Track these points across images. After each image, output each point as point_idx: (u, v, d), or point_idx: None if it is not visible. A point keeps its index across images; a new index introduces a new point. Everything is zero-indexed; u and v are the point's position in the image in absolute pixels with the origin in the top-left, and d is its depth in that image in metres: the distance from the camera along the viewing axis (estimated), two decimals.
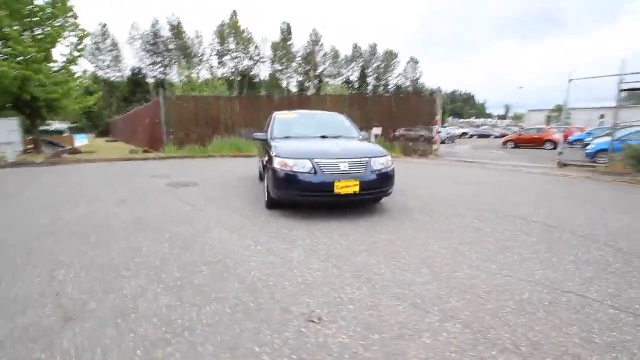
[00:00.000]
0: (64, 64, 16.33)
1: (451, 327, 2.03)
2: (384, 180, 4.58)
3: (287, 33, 64.73)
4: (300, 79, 68.64)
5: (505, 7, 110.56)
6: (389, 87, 67.68)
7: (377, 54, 69.27)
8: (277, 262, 3.01)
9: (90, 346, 1.86)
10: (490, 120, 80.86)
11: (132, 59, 60.42)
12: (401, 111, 16.76)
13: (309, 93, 54.28)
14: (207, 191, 6.41)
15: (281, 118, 6.05)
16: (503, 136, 37.88)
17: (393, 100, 17.03)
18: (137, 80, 54.55)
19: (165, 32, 57.60)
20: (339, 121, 6.24)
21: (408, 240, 3.59)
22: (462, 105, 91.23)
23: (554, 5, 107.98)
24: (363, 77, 67.93)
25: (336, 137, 5.51)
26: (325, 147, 4.79)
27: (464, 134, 40.28)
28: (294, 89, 66.61)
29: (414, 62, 70.48)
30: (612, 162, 10.86)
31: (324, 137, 5.47)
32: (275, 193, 4.52)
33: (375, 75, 69.77)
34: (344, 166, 4.38)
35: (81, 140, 28.26)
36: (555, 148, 21.97)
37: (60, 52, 16.49)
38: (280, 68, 67.11)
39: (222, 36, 60.65)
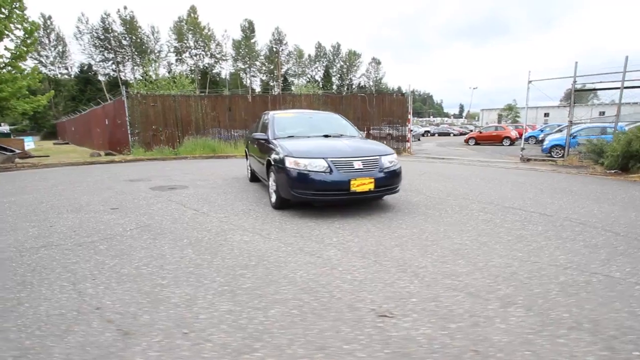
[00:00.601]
0: (9, 60, 14.79)
1: (514, 312, 2.16)
2: (394, 177, 4.70)
3: (249, 31, 63.51)
4: (264, 77, 67.77)
5: (458, 14, 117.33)
6: (353, 87, 68.91)
7: (340, 54, 70.21)
8: (317, 262, 3.00)
9: None
10: (447, 119, 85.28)
11: (79, 55, 56.17)
12: (375, 110, 17.22)
13: (274, 92, 53.85)
14: (201, 194, 6.16)
15: (280, 117, 5.97)
16: (461, 134, 40.22)
17: (367, 99, 17.40)
18: (86, 78, 50.88)
19: (117, 27, 54.01)
20: (337, 120, 6.29)
21: (431, 234, 3.72)
22: (421, 105, 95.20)
23: (498, 15, 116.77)
24: (327, 76, 68.48)
25: (338, 136, 5.55)
26: (335, 146, 4.81)
27: (427, 131, 42.05)
28: (257, 87, 65.68)
29: (376, 62, 72.42)
30: (569, 156, 11.96)
31: (326, 136, 5.49)
32: (289, 193, 4.46)
33: (339, 74, 70.67)
34: (357, 164, 4.44)
35: (28, 144, 25.81)
36: (511, 144, 23.71)
37: (4, 46, 14.81)
38: (243, 66, 65.75)
39: (179, 32, 58.14)
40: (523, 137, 14.18)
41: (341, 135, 5.63)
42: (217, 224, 4.22)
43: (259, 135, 5.72)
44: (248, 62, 65.15)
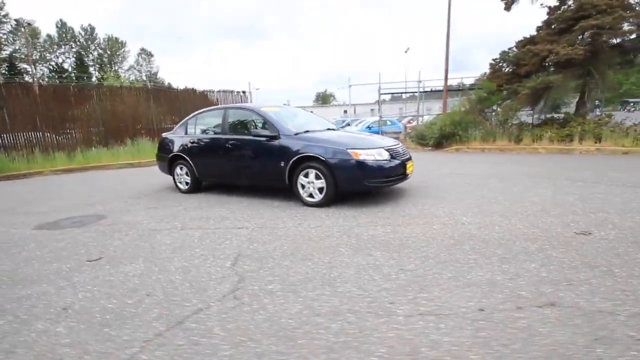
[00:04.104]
0: None
1: None
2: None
3: None
4: None
5: (223, 14, 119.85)
6: (123, 81, 58.40)
7: (96, 39, 57.45)
8: (501, 225, 3.47)
9: None
10: None
11: None
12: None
13: None
14: (172, 215, 4.52)
15: (276, 112, 5.29)
16: None
17: (216, 96, 16.11)
18: None
19: None
20: (313, 115, 6.42)
21: (511, 199, 4.66)
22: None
23: (258, 20, 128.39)
24: (81, 65, 54.70)
25: (338, 129, 5.68)
26: (365, 138, 5.13)
27: None
28: None
29: (147, 54, 63.97)
30: None
31: (329, 129, 5.48)
32: (361, 184, 4.45)
33: (99, 64, 57.90)
34: (401, 150, 4.93)
35: None
36: None
37: None
38: None
39: None
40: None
41: (339, 128, 5.76)
42: (317, 234, 3.57)
43: (264, 132, 4.86)
44: None
